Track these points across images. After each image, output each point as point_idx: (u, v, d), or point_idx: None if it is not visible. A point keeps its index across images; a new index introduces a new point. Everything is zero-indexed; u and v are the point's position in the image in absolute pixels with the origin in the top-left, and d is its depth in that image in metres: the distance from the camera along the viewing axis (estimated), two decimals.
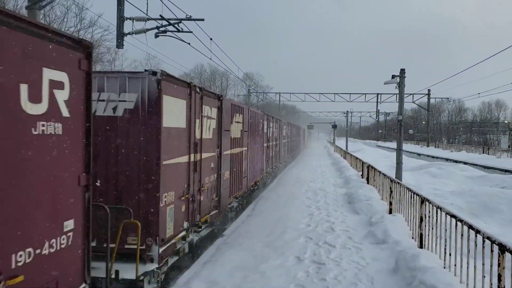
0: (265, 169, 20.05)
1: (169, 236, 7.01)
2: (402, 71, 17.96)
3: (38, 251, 3.73)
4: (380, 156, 44.89)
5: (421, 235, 8.15)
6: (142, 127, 6.43)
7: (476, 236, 5.69)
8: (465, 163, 37.23)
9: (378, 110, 68.89)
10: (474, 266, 5.60)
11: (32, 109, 3.62)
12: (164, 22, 16.96)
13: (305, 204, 14.33)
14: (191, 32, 17.38)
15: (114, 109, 6.51)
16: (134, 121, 6.48)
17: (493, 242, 5.11)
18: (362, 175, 20.00)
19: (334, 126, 53.90)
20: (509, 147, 60.11)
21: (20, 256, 3.51)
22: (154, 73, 6.43)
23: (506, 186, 18.72)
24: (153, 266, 6.30)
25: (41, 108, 3.75)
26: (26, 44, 3.55)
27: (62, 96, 4.02)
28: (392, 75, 17.95)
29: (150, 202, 6.42)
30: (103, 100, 6.53)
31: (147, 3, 15.95)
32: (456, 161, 41.09)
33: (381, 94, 58.63)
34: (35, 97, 3.66)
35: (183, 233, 7.73)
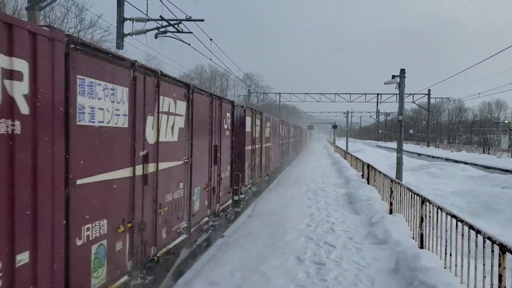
0: (280, 159, 27.51)
1: None
2: (402, 71, 17.95)
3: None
4: (380, 156, 44.88)
5: (421, 235, 8.15)
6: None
7: (476, 236, 5.69)
8: (465, 163, 37.21)
9: (378, 110, 68.85)
10: (475, 267, 5.59)
11: None
12: (164, 23, 16.97)
13: (306, 205, 14.32)
14: (191, 32, 17.39)
15: None
16: None
17: (493, 242, 5.11)
18: (362, 175, 19.99)
19: (334, 126, 53.88)
20: (509, 147, 60.06)
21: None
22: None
23: (507, 186, 18.71)
24: None
25: None
26: None
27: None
28: (392, 75, 17.94)
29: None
30: None
31: (147, 4, 15.98)
32: (456, 161, 41.09)
33: (381, 94, 58.68)
34: None
35: None
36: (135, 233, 5.69)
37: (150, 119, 6.09)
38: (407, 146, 70.21)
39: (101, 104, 4.81)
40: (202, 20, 17.47)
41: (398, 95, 18.47)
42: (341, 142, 68.52)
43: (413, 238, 8.90)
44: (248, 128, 14.40)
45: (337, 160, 34.51)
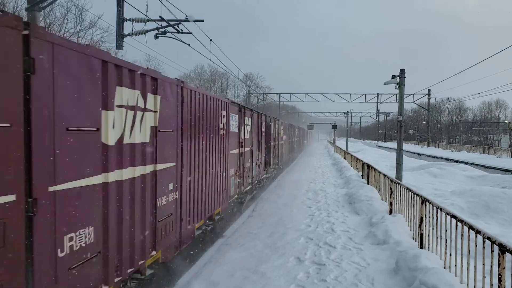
0: (290, 152, 37.95)
1: None
2: (402, 71, 17.96)
3: None
4: (380, 156, 44.90)
5: (421, 235, 8.15)
6: None
7: (476, 236, 5.69)
8: (465, 163, 37.25)
9: (378, 110, 68.81)
10: (475, 267, 5.60)
11: None
12: (164, 23, 16.98)
13: (306, 205, 14.33)
14: (191, 33, 17.39)
15: None
16: None
17: (493, 242, 5.11)
18: (362, 175, 19.99)
19: (334, 127, 53.86)
20: (509, 146, 60.06)
21: None
22: None
23: (507, 186, 18.72)
24: None
25: None
26: None
27: None
28: (392, 75, 17.95)
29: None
30: None
31: (146, 4, 15.98)
32: (456, 161, 41.13)
33: (381, 94, 58.68)
34: None
35: None
36: (239, 177, 13.59)
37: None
38: (407, 146, 70.26)
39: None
40: (202, 21, 17.47)
41: (398, 95, 18.46)
42: (341, 142, 68.56)
43: (413, 238, 8.90)
44: (272, 130, 23.02)
45: (337, 160, 34.50)
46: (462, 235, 6.17)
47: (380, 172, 14.59)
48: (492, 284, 5.03)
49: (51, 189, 4.13)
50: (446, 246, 6.75)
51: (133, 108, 5.83)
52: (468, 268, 5.84)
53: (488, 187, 16.73)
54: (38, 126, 3.92)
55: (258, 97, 70.36)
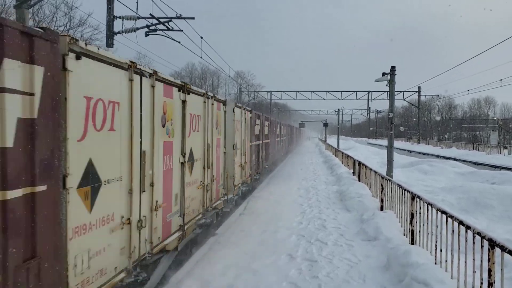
0: (286, 148, 42.15)
1: None
2: (393, 68, 18.05)
3: None
4: (371, 153, 45.09)
5: (412, 231, 8.21)
6: None
7: (466, 232, 5.74)
8: (455, 159, 37.56)
9: (369, 107, 69.16)
10: (465, 262, 5.65)
11: None
12: (154, 21, 16.91)
13: (298, 202, 14.36)
14: (182, 30, 17.34)
15: None
16: None
17: (483, 237, 5.16)
18: (353, 172, 20.07)
19: (326, 124, 54.03)
20: (498, 143, 60.68)
21: None
22: None
23: (496, 182, 18.92)
24: None
25: None
26: None
27: None
28: (383, 73, 18.03)
29: None
30: None
31: (137, 2, 15.92)
32: (446, 158, 41.42)
33: (372, 91, 58.96)
34: None
35: None
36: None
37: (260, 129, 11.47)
38: (398, 143, 70.69)
39: None
40: (193, 18, 17.43)
41: (388, 92, 18.56)
42: (332, 140, 68.78)
43: (404, 234, 8.96)
44: (268, 130, 24.10)
45: (328, 158, 34.60)
46: (453, 231, 6.22)
47: (371, 169, 14.67)
48: (482, 279, 5.08)
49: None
50: (436, 241, 6.80)
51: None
52: (458, 263, 5.89)
53: (478, 183, 16.89)
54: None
55: (249, 95, 70.33)
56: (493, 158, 41.01)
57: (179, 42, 18.24)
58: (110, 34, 16.19)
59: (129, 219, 5.69)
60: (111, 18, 16.11)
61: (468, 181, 20.20)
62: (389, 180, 11.13)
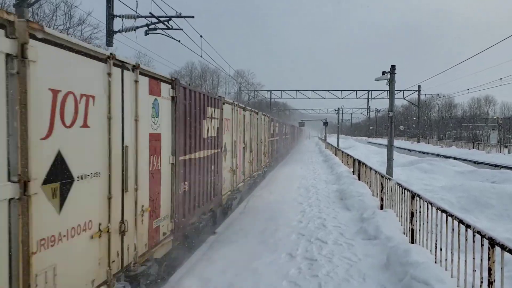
0: (290, 144, 48.83)
1: None
2: (392, 67, 18.02)
3: None
4: (371, 152, 45.09)
5: (412, 230, 8.20)
6: None
7: (466, 230, 5.74)
8: (455, 158, 37.56)
9: (369, 106, 69.12)
10: (465, 261, 5.65)
11: None
12: (154, 20, 16.89)
13: (297, 201, 14.35)
14: (181, 29, 17.32)
15: None
16: None
17: (483, 236, 5.15)
18: (353, 171, 20.06)
19: (325, 123, 53.97)
20: (498, 142, 60.63)
21: None
22: None
23: (496, 181, 18.92)
24: None
25: None
26: None
27: None
28: (383, 72, 18.00)
29: None
30: None
31: (136, 1, 15.90)
32: (446, 157, 41.42)
33: (372, 90, 58.79)
34: None
35: None
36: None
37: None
38: (398, 142, 70.68)
39: None
40: (192, 17, 17.41)
41: (388, 91, 18.53)
42: (332, 139, 68.77)
43: (404, 233, 8.95)
44: (278, 130, 30.58)
45: (328, 157, 34.59)
46: (453, 230, 6.21)
47: (371, 168, 14.66)
48: (482, 278, 5.07)
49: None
50: (436, 240, 6.80)
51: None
52: (458, 262, 5.89)
53: (478, 182, 16.89)
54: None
55: (249, 94, 70.28)
56: (493, 157, 41.02)
57: (179, 41, 18.23)
58: (110, 33, 16.17)
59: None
60: (110, 17, 16.09)
61: (468, 180, 20.20)
62: (389, 179, 11.12)
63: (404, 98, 61.98)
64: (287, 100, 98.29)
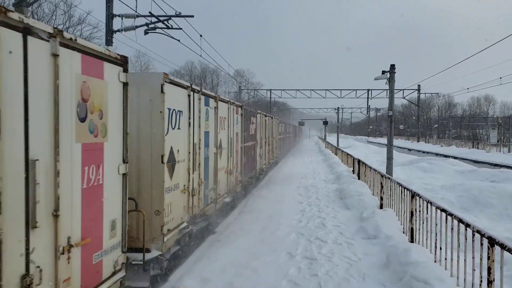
0: (292, 141, 55.20)
1: None
2: (392, 66, 18.02)
3: None
4: (370, 152, 45.08)
5: (412, 229, 8.20)
6: None
7: (466, 230, 5.73)
8: (455, 157, 37.54)
9: (369, 106, 69.11)
10: (465, 260, 5.65)
11: None
12: (154, 19, 16.87)
13: (297, 200, 14.36)
14: (181, 29, 17.30)
15: None
16: None
17: (482, 235, 5.15)
18: (353, 170, 20.07)
19: (325, 123, 53.99)
20: (498, 141, 60.63)
21: None
22: None
23: (496, 180, 18.90)
24: None
25: None
26: None
27: None
28: (382, 71, 18.00)
29: None
30: None
31: (136, 0, 15.85)
32: (446, 156, 41.42)
33: (371, 90, 58.79)
34: None
35: None
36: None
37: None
38: (398, 142, 70.69)
39: None
40: (192, 16, 17.40)
41: (388, 90, 18.53)
42: (332, 139, 68.77)
43: (404, 233, 8.95)
44: (283, 129, 36.94)
45: (328, 156, 34.61)
46: (452, 229, 6.21)
47: (370, 168, 14.66)
48: (482, 277, 5.07)
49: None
50: (436, 240, 6.80)
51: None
52: (458, 261, 5.89)
53: (478, 182, 16.89)
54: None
55: (249, 94, 70.30)
56: (492, 156, 41.03)
57: (179, 41, 18.21)
58: (110, 32, 16.16)
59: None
60: (110, 17, 16.08)
61: (468, 179, 20.19)
62: (389, 178, 11.12)
63: (404, 97, 61.96)
64: (287, 100, 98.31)
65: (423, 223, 7.62)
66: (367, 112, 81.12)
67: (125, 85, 5.51)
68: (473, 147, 55.01)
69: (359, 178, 17.46)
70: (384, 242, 8.49)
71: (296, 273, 7.30)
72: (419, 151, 55.08)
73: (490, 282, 4.91)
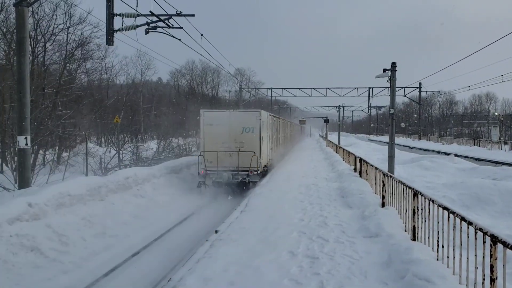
0: (296, 137, 62.50)
1: None
2: (393, 64, 18.00)
3: None
4: (372, 150, 45.09)
5: (413, 227, 8.19)
6: None
7: (468, 228, 5.72)
8: (456, 155, 37.50)
9: (370, 104, 69.05)
10: (467, 258, 5.63)
11: None
12: (154, 18, 16.84)
13: (299, 199, 14.35)
14: (182, 28, 17.27)
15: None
16: None
17: (485, 233, 5.14)
18: (354, 169, 20.05)
19: (326, 121, 54.01)
20: (499, 139, 60.56)
21: None
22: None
23: (497, 178, 18.89)
24: None
25: None
26: None
27: None
28: (384, 69, 18.00)
29: None
30: None
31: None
32: (447, 154, 41.36)
33: (372, 88, 58.78)
34: None
35: None
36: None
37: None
38: (399, 140, 70.55)
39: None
40: (193, 15, 17.37)
41: (389, 88, 18.51)
42: (333, 137, 68.70)
43: (406, 231, 8.94)
44: (290, 127, 47.80)
45: (329, 155, 34.59)
46: (454, 227, 6.20)
47: (372, 166, 14.64)
48: (484, 275, 5.06)
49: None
50: (438, 238, 6.79)
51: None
52: (460, 259, 5.88)
53: (479, 179, 16.87)
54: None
55: (249, 92, 70.31)
56: (494, 154, 40.97)
57: (179, 40, 18.20)
58: (110, 32, 16.13)
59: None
60: (110, 16, 16.06)
61: (470, 177, 20.17)
62: (391, 176, 11.10)
63: (405, 95, 61.98)
64: (288, 98, 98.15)
65: (425, 221, 7.61)
66: (368, 110, 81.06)
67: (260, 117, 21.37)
68: (474, 145, 54.93)
69: (360, 176, 17.45)
70: (386, 240, 8.47)
71: (298, 271, 7.28)
72: (420, 149, 55.04)
73: (492, 280, 4.90)
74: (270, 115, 25.80)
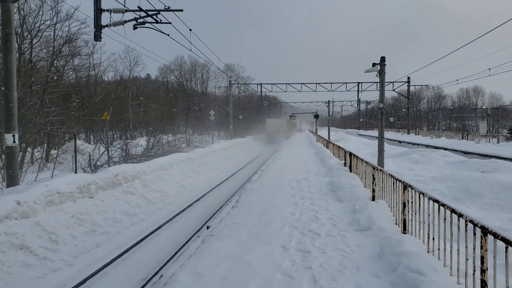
0: (294, 131, 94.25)
1: None
2: (382, 59, 18.05)
3: None
4: (362, 144, 45.28)
5: (404, 220, 8.24)
6: None
7: (458, 220, 5.76)
8: (445, 149, 37.82)
9: (359, 99, 69.29)
10: (458, 250, 5.67)
11: None
12: (143, 13, 16.72)
13: (290, 194, 14.37)
14: (170, 23, 17.17)
15: None
16: None
17: (475, 225, 5.18)
18: (344, 163, 20.13)
19: (316, 116, 54.13)
20: (487, 132, 61.14)
21: None
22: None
23: (486, 171, 19.06)
24: None
25: None
26: None
27: None
28: (373, 63, 18.03)
29: None
30: None
31: None
32: (436, 147, 41.70)
33: (362, 83, 58.99)
34: None
35: None
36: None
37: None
38: (388, 134, 71.04)
39: None
40: (181, 10, 17.27)
41: (378, 83, 18.56)
42: (323, 132, 69.09)
43: (396, 224, 8.99)
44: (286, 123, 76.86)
45: (319, 150, 34.67)
46: (445, 219, 6.24)
47: (362, 160, 14.70)
48: (475, 266, 5.10)
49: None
50: (429, 230, 6.83)
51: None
52: (451, 251, 5.92)
53: (468, 172, 17.01)
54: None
55: (239, 88, 70.14)
56: (482, 147, 41.37)
57: (168, 35, 18.09)
58: (98, 28, 15.98)
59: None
60: (98, 11, 15.91)
61: (459, 170, 20.35)
62: (381, 170, 11.14)
63: (394, 90, 62.25)
64: (278, 93, 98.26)
65: (415, 214, 7.65)
66: (357, 105, 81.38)
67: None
68: (462, 138, 55.43)
69: (350, 171, 17.52)
70: (377, 234, 8.52)
71: (290, 266, 7.29)
72: (409, 143, 55.41)
73: (483, 271, 4.94)
74: (286, 119, 67.88)
